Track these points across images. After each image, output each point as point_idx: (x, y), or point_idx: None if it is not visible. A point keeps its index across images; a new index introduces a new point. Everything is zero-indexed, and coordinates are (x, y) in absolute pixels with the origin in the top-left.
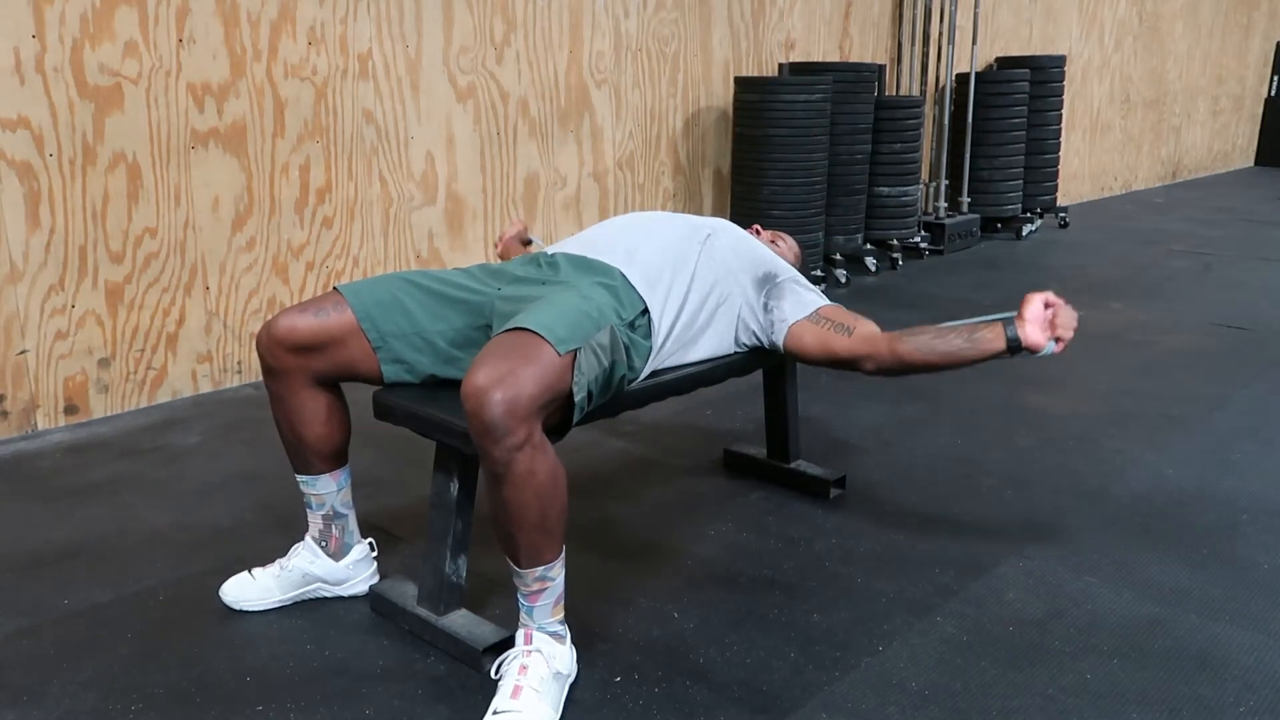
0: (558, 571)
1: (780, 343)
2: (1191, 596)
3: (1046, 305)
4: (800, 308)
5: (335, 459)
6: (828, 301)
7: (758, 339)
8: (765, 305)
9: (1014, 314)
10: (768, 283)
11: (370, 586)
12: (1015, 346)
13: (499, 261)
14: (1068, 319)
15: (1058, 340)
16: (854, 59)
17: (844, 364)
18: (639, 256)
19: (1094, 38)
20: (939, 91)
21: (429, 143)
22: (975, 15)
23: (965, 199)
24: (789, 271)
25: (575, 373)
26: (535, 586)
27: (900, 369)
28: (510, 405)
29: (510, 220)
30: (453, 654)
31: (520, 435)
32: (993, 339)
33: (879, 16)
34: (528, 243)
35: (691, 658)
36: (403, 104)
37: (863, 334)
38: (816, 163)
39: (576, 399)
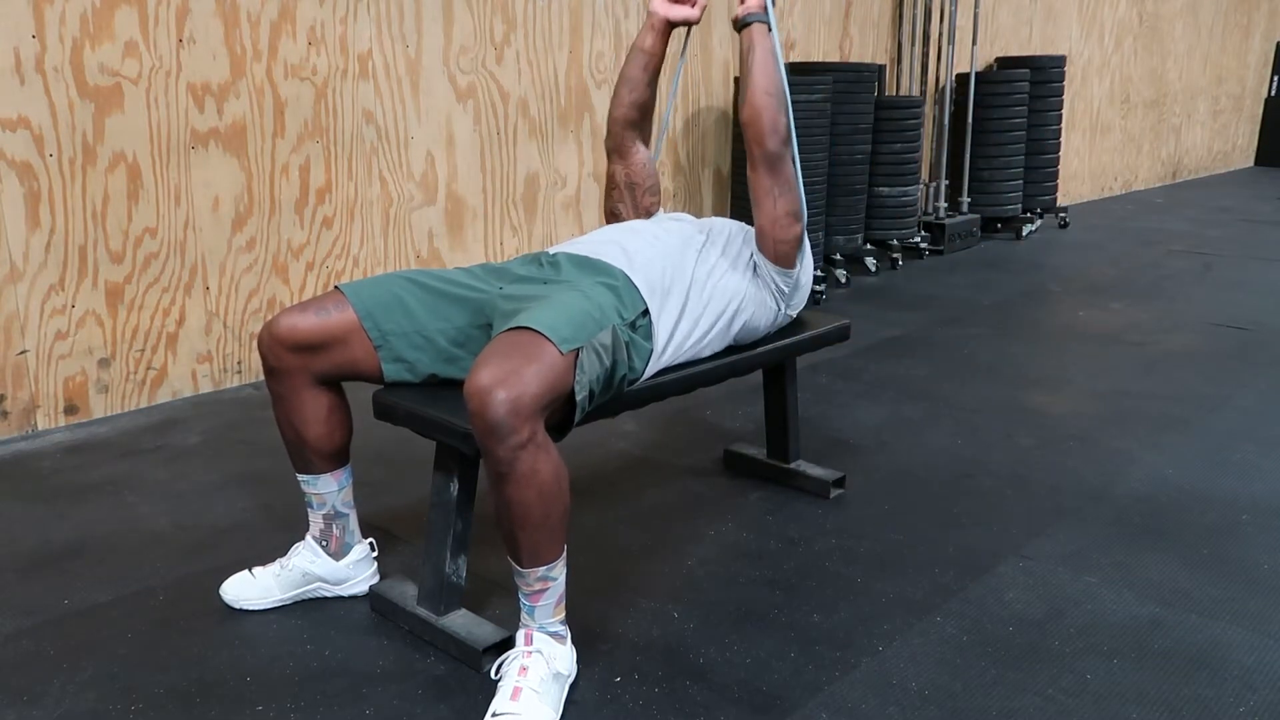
0: (559, 571)
1: (770, 261)
2: (1191, 596)
3: None
4: (751, 235)
5: (336, 458)
6: None
7: (776, 308)
8: (755, 270)
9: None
10: (745, 252)
11: (370, 586)
12: (740, 25)
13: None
14: None
15: None
16: (854, 59)
17: (764, 172)
18: (640, 259)
19: (1094, 38)
20: (939, 91)
21: (429, 143)
22: (975, 15)
23: (965, 199)
24: (743, 230)
25: (577, 372)
26: (537, 586)
27: (756, 120)
28: (514, 404)
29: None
30: (453, 654)
31: (524, 434)
32: (744, 40)
33: (879, 16)
34: (686, 28)
35: (691, 658)
36: (403, 104)
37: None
38: (816, 163)
39: (578, 398)
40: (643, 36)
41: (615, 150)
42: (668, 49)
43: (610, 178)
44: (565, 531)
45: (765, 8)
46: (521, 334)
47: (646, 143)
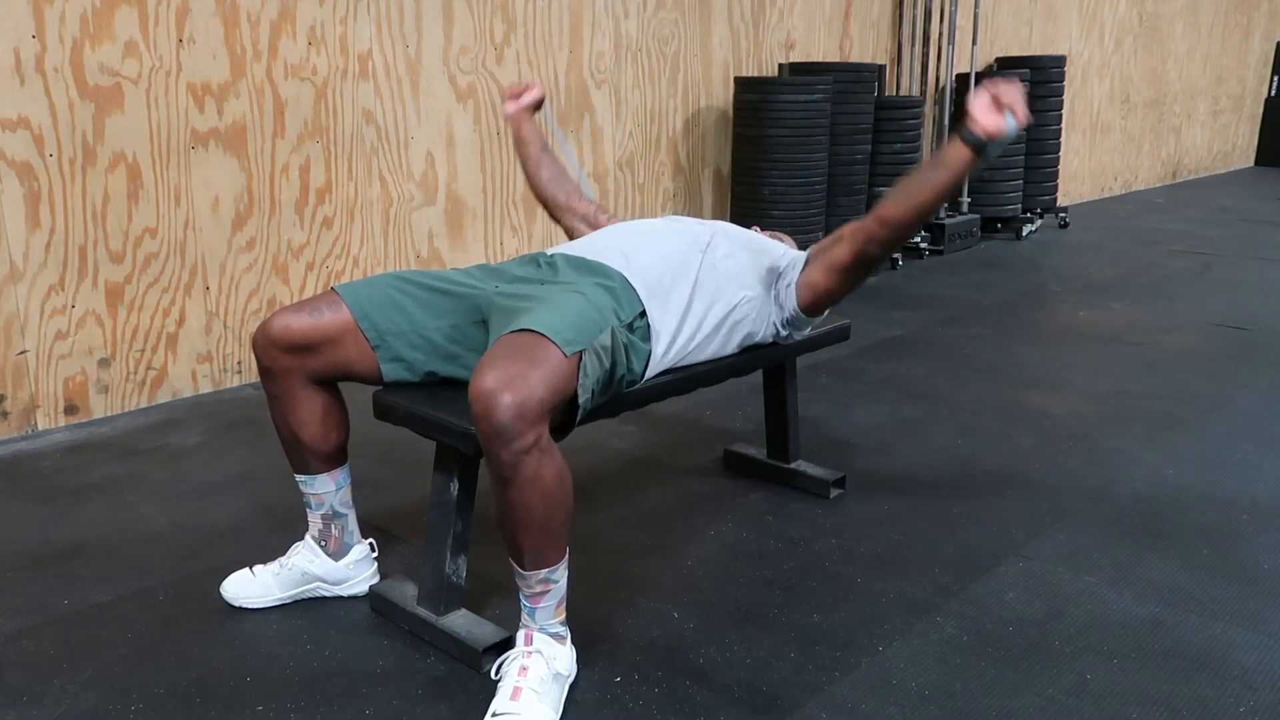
0: (561, 574)
1: (795, 304)
2: (1191, 596)
3: (988, 95)
4: (795, 267)
5: (333, 459)
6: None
7: (771, 334)
8: (776, 294)
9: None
10: (773, 275)
11: (370, 586)
12: (977, 143)
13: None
14: (1008, 89)
15: (1013, 114)
16: (854, 59)
17: (855, 268)
18: (638, 262)
19: (1094, 38)
20: (939, 91)
21: (429, 143)
22: (975, 15)
23: (965, 199)
24: (787, 255)
25: (580, 375)
26: (539, 588)
27: (894, 232)
28: (520, 408)
29: (531, 79)
30: (453, 654)
31: (529, 438)
32: (958, 152)
33: (879, 16)
34: (539, 107)
35: (691, 658)
36: (403, 104)
37: (850, 231)
38: (816, 163)
39: (580, 400)
40: (514, 135)
41: (563, 214)
42: (545, 124)
43: (570, 231)
44: (568, 534)
45: (996, 139)
46: (525, 336)
47: (575, 191)
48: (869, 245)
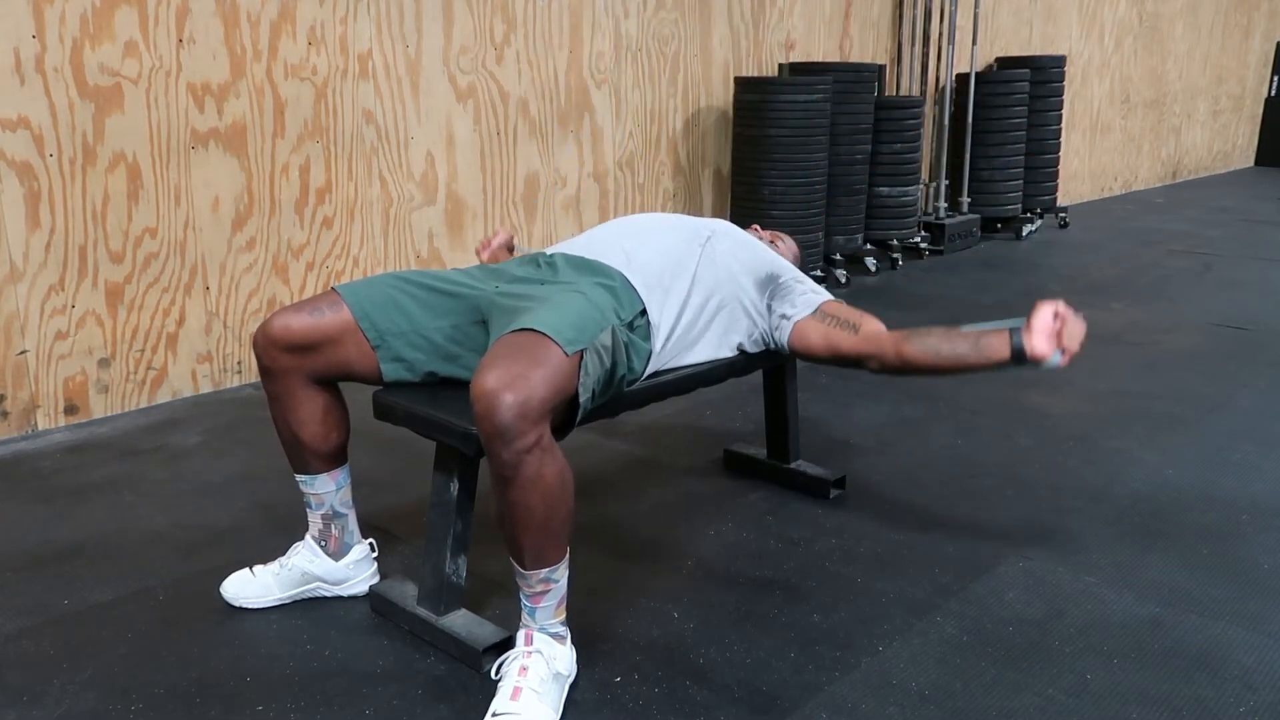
0: (562, 573)
1: (785, 342)
2: (1191, 596)
3: (1055, 315)
4: (804, 305)
5: (333, 459)
6: (830, 297)
7: (762, 341)
8: (769, 306)
9: (1022, 321)
10: (770, 284)
11: (370, 586)
12: (1020, 356)
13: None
14: (1075, 331)
15: (1063, 352)
16: (854, 59)
17: (847, 361)
18: (638, 259)
19: (1094, 38)
20: (939, 91)
21: (429, 143)
22: (975, 15)
23: (965, 199)
24: (791, 271)
25: (581, 374)
26: (539, 588)
27: (903, 370)
28: (522, 408)
29: (498, 228)
30: (453, 654)
31: (531, 438)
32: (998, 347)
33: (879, 16)
34: (512, 249)
35: (691, 658)
36: (403, 104)
37: (868, 332)
38: (816, 163)
39: (581, 400)
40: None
41: None
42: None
43: None
44: (568, 534)
45: (1036, 362)
46: (526, 336)
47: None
48: (872, 360)
